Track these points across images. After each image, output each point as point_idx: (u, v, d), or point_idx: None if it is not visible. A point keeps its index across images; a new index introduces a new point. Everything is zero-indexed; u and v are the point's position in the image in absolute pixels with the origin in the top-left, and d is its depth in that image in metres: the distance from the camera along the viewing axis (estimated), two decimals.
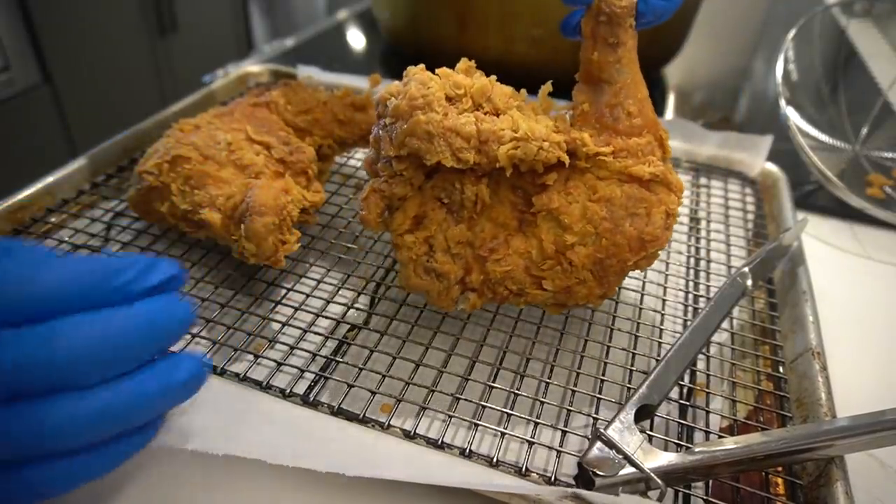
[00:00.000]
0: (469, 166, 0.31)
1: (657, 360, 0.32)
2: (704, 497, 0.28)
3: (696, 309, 0.39)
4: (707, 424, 0.32)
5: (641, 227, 0.32)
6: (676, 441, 0.31)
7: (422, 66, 0.33)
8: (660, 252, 0.34)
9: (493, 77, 0.33)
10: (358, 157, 0.53)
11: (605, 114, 0.33)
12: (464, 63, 0.34)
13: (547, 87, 0.34)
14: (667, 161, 0.34)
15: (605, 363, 0.34)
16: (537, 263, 0.33)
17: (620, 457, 0.27)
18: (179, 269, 0.24)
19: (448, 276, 0.33)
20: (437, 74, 0.32)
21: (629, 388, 0.33)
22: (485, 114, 0.32)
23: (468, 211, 0.33)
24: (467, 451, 0.29)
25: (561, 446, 0.30)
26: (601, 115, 0.33)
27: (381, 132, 0.33)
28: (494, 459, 0.29)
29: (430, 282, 0.33)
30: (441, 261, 0.33)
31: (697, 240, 0.46)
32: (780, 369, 0.35)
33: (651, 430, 0.31)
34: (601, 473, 0.26)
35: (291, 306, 0.37)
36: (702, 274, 0.42)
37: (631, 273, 0.41)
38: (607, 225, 0.32)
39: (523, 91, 0.35)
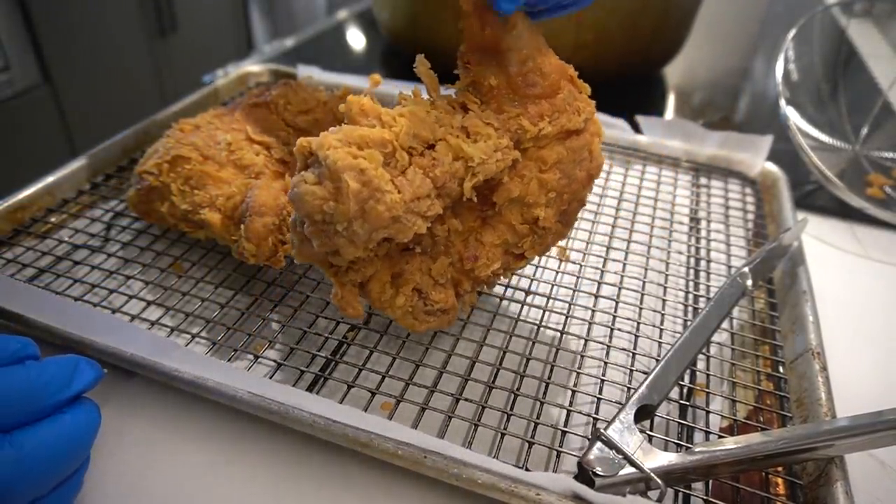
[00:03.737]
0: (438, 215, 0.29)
1: (657, 360, 0.33)
2: (704, 497, 0.28)
3: (696, 309, 0.39)
4: (707, 424, 0.32)
5: (588, 166, 0.33)
6: (676, 441, 0.31)
7: (331, 141, 0.26)
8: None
9: (398, 106, 0.29)
10: None
11: (520, 83, 0.31)
12: (357, 105, 0.28)
13: (421, 58, 0.30)
14: (581, 93, 0.33)
15: (606, 363, 0.35)
16: (515, 244, 0.33)
17: (620, 457, 0.27)
18: (97, 373, 0.27)
19: (452, 309, 0.33)
20: (351, 142, 0.26)
21: (629, 389, 0.33)
22: (420, 154, 0.28)
23: (441, 244, 0.32)
24: None
25: (561, 446, 0.30)
26: (516, 87, 0.31)
27: (325, 238, 0.27)
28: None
29: (437, 320, 0.33)
30: (437, 299, 0.32)
31: (697, 240, 0.46)
32: (780, 369, 0.35)
33: (651, 430, 0.31)
34: (601, 473, 0.26)
35: (291, 306, 0.37)
36: (702, 274, 0.42)
37: (631, 273, 0.41)
38: (563, 181, 0.33)
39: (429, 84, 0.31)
